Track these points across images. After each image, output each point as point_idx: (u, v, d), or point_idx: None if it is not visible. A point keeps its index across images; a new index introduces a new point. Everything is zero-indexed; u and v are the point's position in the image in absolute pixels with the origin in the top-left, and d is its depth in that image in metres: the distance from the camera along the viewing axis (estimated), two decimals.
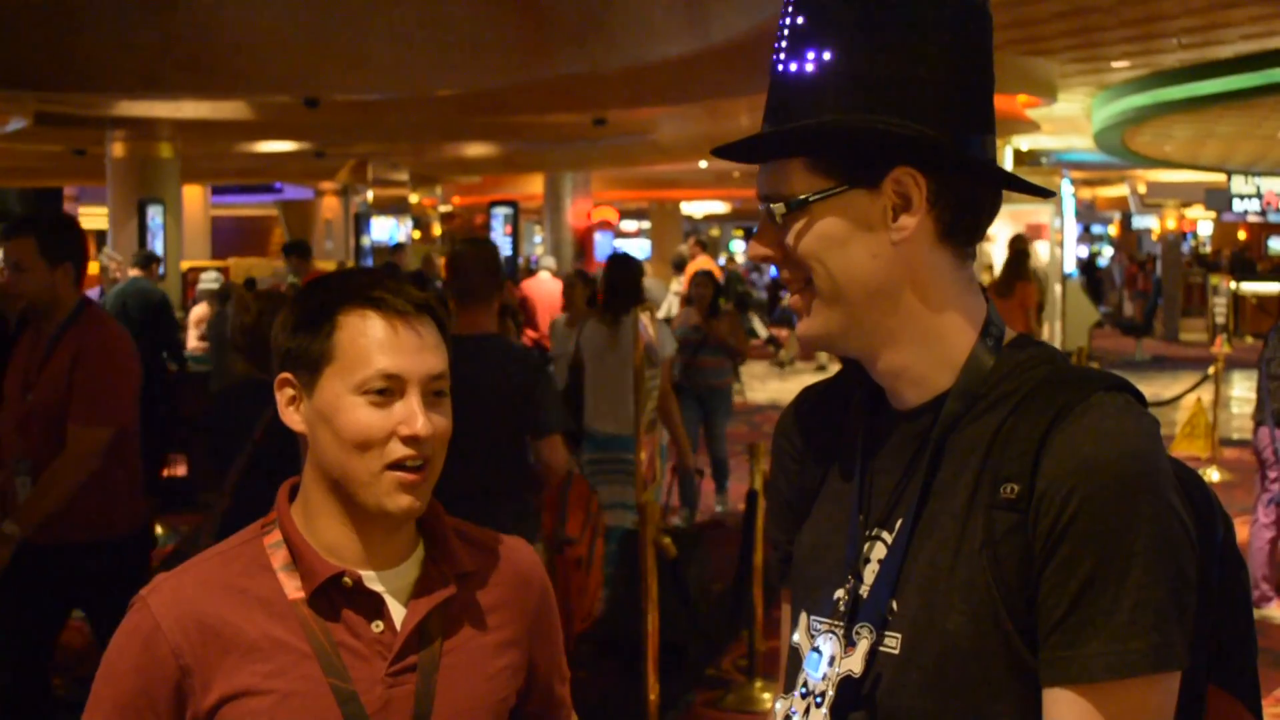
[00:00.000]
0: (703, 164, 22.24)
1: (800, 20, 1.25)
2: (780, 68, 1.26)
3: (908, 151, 1.22)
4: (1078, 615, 1.14)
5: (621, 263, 6.53)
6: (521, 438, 4.09)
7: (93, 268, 13.59)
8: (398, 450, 1.48)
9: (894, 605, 1.23)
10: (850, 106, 1.21)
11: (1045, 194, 1.31)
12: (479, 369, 3.85)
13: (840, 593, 1.27)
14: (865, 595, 1.25)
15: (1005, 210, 13.15)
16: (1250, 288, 23.22)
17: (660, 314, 12.32)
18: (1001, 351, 1.27)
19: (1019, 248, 10.10)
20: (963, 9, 1.24)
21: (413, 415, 1.48)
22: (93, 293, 10.54)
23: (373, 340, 1.49)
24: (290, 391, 1.55)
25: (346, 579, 1.51)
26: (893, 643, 1.22)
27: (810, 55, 1.23)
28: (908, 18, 1.22)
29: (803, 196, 1.24)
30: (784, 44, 1.26)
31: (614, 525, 5.86)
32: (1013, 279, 9.94)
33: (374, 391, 1.48)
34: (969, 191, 1.25)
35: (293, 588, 1.52)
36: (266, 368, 3.67)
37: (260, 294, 4.27)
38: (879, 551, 1.26)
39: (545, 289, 11.87)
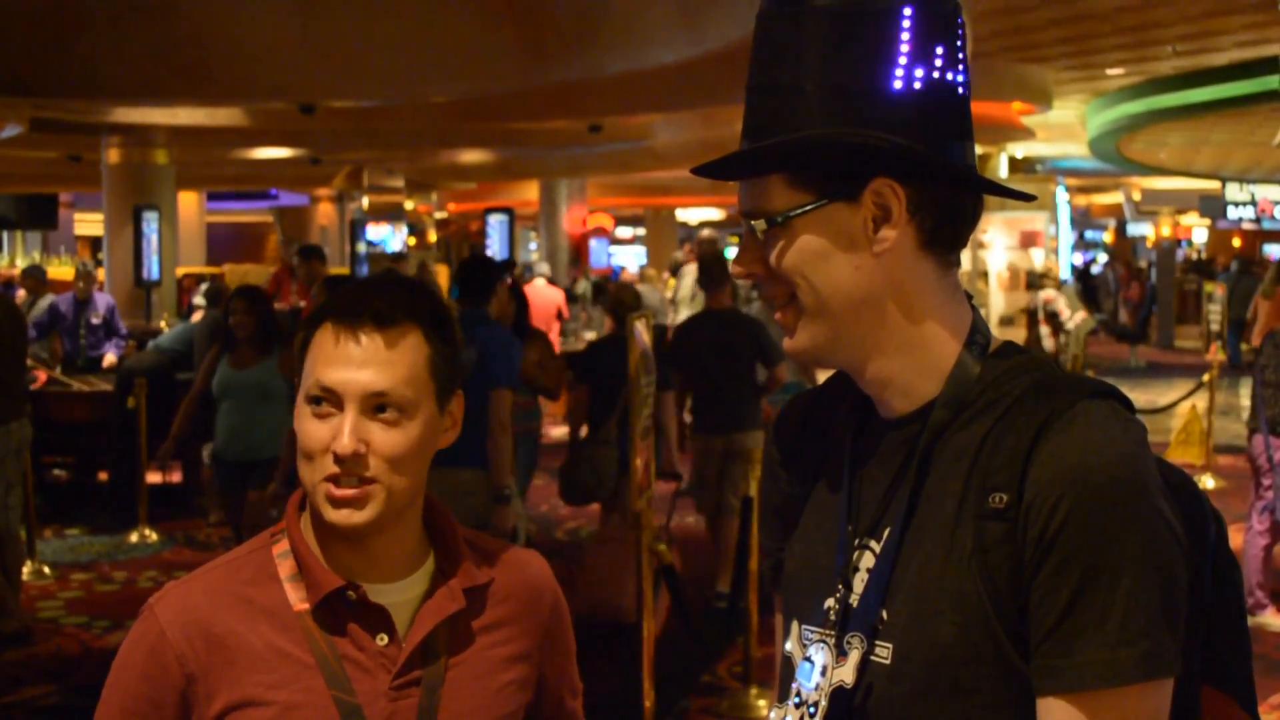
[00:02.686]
0: None
1: (774, 36, 1.25)
2: (756, 84, 1.26)
3: (885, 162, 1.22)
4: (1069, 624, 1.14)
5: None
6: (753, 366, 6.81)
7: (67, 274, 13.53)
8: (329, 465, 1.46)
9: (884, 615, 1.22)
10: (827, 120, 1.21)
11: (1026, 198, 1.32)
12: (726, 328, 6.85)
13: (831, 602, 1.27)
14: (855, 604, 1.25)
15: (1000, 218, 13.19)
16: None
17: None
18: (987, 359, 1.27)
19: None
20: None
21: (340, 432, 1.46)
22: (64, 298, 10.40)
23: (320, 351, 1.49)
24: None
25: (351, 592, 1.50)
26: (884, 653, 1.22)
27: (785, 70, 1.23)
28: (880, 29, 1.21)
29: (783, 212, 1.24)
30: (759, 60, 1.26)
31: None
32: (1276, 283, 11.79)
33: (313, 401, 1.48)
34: (949, 199, 1.25)
35: (298, 599, 1.51)
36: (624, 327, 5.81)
37: (623, 284, 6.45)
38: (868, 561, 1.26)
39: (541, 296, 11.90)
